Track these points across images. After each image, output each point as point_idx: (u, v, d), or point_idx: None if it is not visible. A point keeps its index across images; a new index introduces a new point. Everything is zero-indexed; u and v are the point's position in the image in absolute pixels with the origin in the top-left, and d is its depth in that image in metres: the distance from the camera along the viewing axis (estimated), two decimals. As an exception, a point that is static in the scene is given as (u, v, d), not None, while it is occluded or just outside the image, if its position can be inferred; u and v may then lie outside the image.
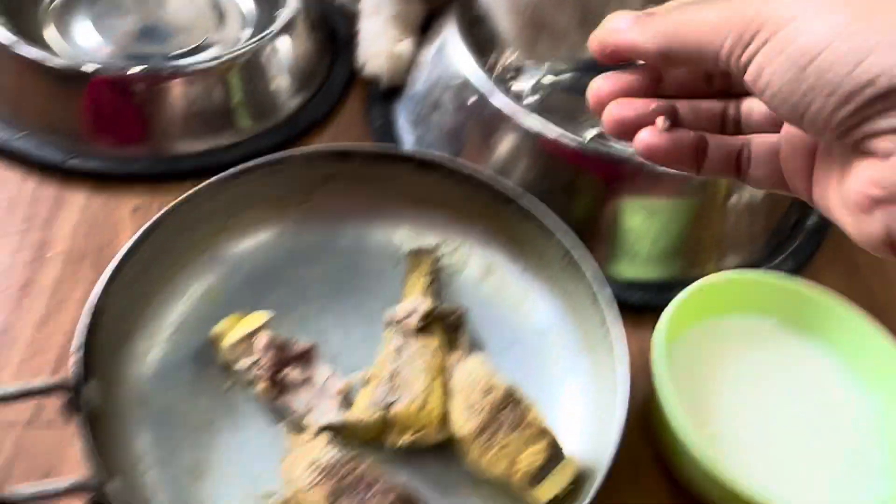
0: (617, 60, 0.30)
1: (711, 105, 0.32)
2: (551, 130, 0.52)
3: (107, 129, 0.57)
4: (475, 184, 0.50)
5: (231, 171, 0.49)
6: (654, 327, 0.46)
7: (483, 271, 0.52)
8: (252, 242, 0.51)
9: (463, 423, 0.41)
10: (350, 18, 0.68)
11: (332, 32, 0.69)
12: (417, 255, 0.51)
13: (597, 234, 0.54)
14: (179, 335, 0.47)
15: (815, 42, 0.24)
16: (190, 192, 0.47)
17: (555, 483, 0.40)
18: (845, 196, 0.26)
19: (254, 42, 0.60)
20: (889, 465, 0.45)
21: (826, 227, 0.61)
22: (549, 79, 0.68)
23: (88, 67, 0.55)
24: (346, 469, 0.39)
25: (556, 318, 0.49)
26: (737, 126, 0.32)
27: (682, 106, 0.31)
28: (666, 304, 0.48)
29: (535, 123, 0.53)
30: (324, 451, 0.39)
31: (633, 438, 0.46)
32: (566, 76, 0.70)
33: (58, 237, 0.53)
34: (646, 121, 0.30)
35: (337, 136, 0.63)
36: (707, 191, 0.55)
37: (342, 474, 0.38)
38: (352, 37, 0.67)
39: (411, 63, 0.64)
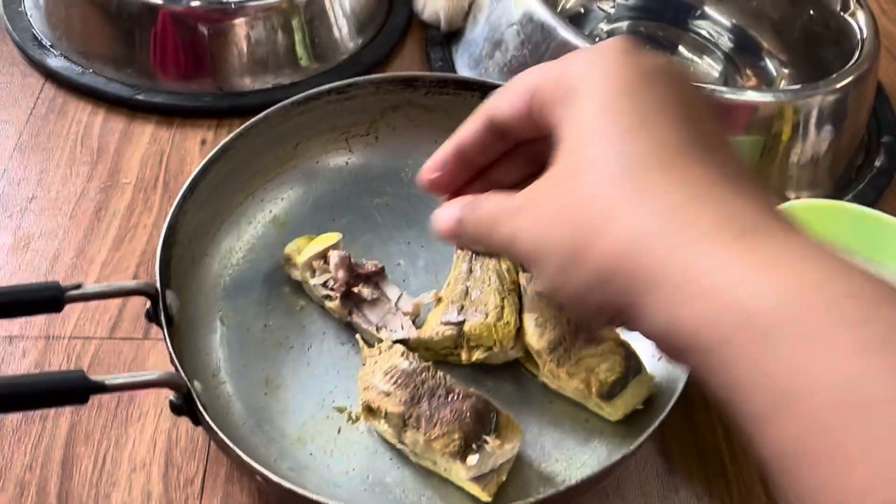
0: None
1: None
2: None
3: (172, 65, 0.57)
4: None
5: (298, 96, 0.49)
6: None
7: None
8: (319, 169, 0.51)
9: (539, 336, 0.41)
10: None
11: (391, -24, 0.69)
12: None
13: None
14: (250, 257, 0.47)
15: None
16: (259, 116, 0.48)
17: (632, 396, 0.40)
18: None
19: (315, -18, 0.60)
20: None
21: (894, 168, 0.60)
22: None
23: (156, 2, 0.56)
24: (424, 376, 0.39)
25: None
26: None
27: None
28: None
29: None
30: (401, 360, 0.40)
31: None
32: (624, 18, 0.70)
33: (127, 167, 0.53)
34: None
35: (397, 77, 0.63)
36: (773, 128, 0.54)
37: (420, 381, 0.38)
38: (410, -20, 0.67)
39: (470, 5, 0.64)
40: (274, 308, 0.46)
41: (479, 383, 0.43)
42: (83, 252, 0.48)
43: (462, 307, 0.43)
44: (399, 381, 0.38)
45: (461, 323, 0.42)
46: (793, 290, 0.22)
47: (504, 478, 0.38)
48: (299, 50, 0.60)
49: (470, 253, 0.45)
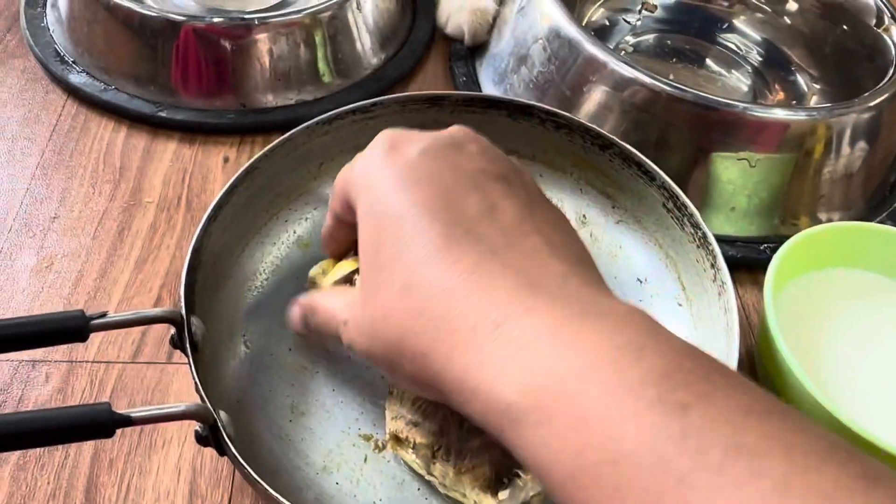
0: None
1: None
2: (646, 76, 0.51)
3: (195, 81, 0.57)
4: (571, 129, 0.48)
5: (324, 116, 0.48)
6: (745, 283, 0.44)
7: (576, 223, 0.51)
8: (344, 190, 0.50)
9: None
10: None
11: (414, -10, 0.69)
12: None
13: (686, 189, 0.53)
14: (273, 279, 0.47)
15: None
16: (284, 136, 0.47)
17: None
18: None
19: (338, -3, 0.60)
20: None
21: (928, 186, 0.59)
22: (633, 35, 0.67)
23: (179, 18, 0.55)
24: (452, 406, 0.38)
25: (653, 268, 0.48)
26: None
27: None
28: (756, 261, 0.46)
29: (630, 70, 0.52)
30: (428, 389, 0.39)
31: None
32: (650, 30, 0.69)
33: (150, 186, 0.53)
34: None
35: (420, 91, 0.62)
36: (805, 145, 0.53)
37: (449, 410, 0.37)
38: (433, -6, 0.66)
39: (494, 19, 0.64)
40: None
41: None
42: (106, 273, 0.48)
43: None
44: (428, 410, 0.38)
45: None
46: (528, 378, 0.24)
47: (535, 511, 0.37)
48: (321, 66, 0.59)
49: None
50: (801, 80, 0.65)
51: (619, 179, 0.49)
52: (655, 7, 0.70)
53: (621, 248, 0.50)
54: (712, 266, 0.42)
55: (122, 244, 0.49)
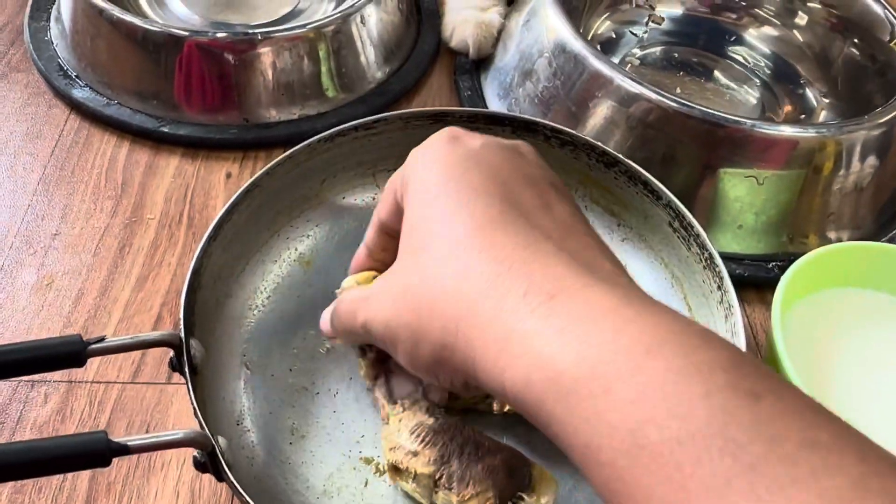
0: None
1: None
2: (652, 91, 0.51)
3: (198, 96, 0.57)
4: (576, 146, 0.48)
5: (326, 133, 0.48)
6: (752, 302, 0.44)
7: (580, 240, 0.50)
8: (345, 206, 0.50)
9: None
10: (436, -12, 0.67)
11: (418, 2, 0.68)
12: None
13: (692, 206, 0.52)
14: (274, 298, 0.46)
15: None
16: (286, 153, 0.47)
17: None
18: None
19: (341, 11, 0.59)
20: None
21: (939, 203, 0.58)
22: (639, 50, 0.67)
23: (182, 33, 0.55)
24: (452, 432, 0.37)
25: (658, 287, 0.47)
26: None
27: None
28: (763, 280, 0.45)
29: (636, 85, 0.51)
30: (426, 416, 0.38)
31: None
32: (656, 47, 0.69)
33: (151, 202, 0.53)
34: None
35: (425, 106, 0.62)
36: (814, 162, 0.52)
37: (449, 437, 0.37)
38: (438, 7, 0.66)
39: (499, 32, 0.63)
40: (299, 351, 0.45)
41: (510, 431, 0.42)
42: (107, 291, 0.47)
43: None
44: (427, 439, 0.37)
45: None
46: (586, 349, 0.24)
47: (539, 535, 0.37)
48: (325, 80, 0.59)
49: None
50: (810, 94, 0.64)
51: (625, 197, 0.48)
52: (663, 19, 0.69)
53: (626, 266, 0.49)
54: (719, 288, 0.42)
55: (123, 261, 0.49)
